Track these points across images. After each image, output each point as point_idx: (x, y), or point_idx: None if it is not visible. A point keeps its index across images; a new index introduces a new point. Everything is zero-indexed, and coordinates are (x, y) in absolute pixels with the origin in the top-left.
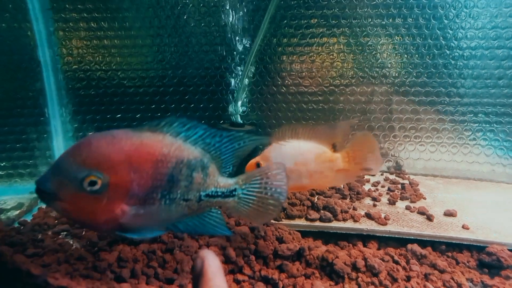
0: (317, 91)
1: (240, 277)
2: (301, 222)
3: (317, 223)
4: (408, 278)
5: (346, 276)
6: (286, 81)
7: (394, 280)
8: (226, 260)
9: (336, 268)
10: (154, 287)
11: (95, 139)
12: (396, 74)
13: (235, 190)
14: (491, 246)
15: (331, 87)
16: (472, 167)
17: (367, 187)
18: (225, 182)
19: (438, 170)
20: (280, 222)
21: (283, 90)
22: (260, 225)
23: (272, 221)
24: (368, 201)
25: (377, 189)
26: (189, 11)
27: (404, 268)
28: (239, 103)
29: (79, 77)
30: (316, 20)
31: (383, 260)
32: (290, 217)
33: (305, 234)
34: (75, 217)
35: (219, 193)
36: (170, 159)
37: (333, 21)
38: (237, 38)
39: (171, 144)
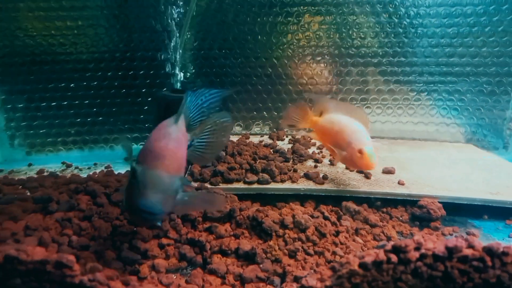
0: (264, 55)
1: (165, 241)
2: (239, 185)
3: (255, 186)
4: (337, 233)
5: (274, 233)
6: (230, 44)
7: (322, 235)
8: (151, 226)
9: (264, 226)
10: (42, 249)
11: (162, 144)
12: (344, 35)
13: (193, 140)
14: (422, 199)
15: (277, 52)
16: (417, 127)
17: (311, 150)
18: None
19: (385, 132)
20: (217, 186)
21: (227, 54)
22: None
23: (207, 185)
24: (310, 163)
25: (321, 152)
26: None
27: (334, 224)
28: (182, 68)
29: (2, 43)
30: None
31: (312, 217)
32: (227, 180)
33: (243, 197)
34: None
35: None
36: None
37: None
38: None
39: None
